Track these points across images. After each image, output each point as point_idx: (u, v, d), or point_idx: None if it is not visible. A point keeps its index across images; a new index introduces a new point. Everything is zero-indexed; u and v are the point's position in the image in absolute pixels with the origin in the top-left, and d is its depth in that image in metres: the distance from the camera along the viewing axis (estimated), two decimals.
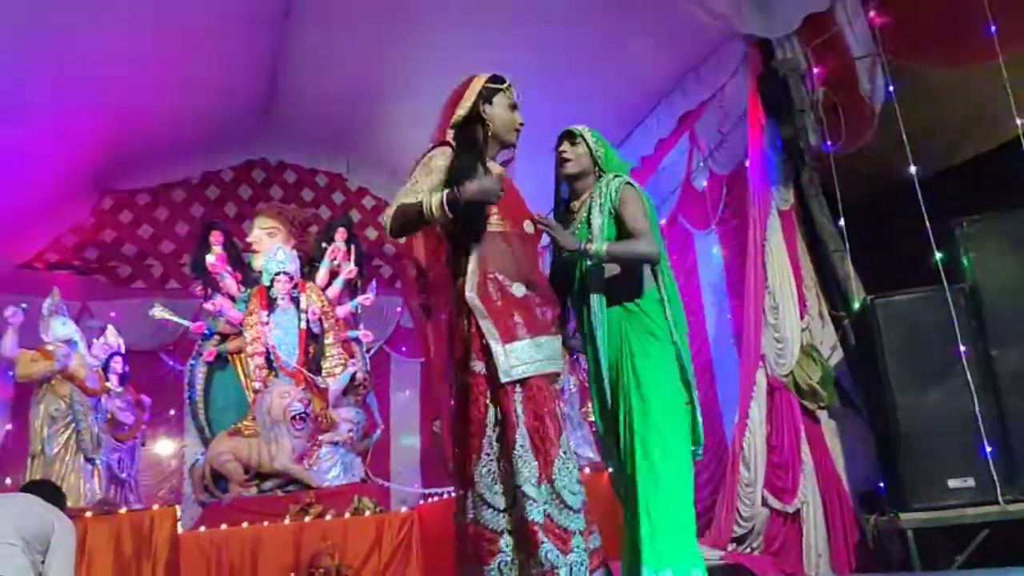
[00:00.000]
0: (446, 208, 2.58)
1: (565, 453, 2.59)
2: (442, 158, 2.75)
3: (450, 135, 2.85)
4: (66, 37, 5.63)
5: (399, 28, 6.57)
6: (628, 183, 3.08)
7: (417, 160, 2.82)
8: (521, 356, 2.61)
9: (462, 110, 2.84)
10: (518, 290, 2.71)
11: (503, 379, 2.58)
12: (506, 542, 2.54)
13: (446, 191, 2.61)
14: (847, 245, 4.87)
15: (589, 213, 3.08)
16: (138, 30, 6.10)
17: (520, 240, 2.80)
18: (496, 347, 2.60)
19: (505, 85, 2.91)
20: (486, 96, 2.86)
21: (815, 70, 4.98)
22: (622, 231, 3.03)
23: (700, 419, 3.04)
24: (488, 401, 2.62)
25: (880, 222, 4.99)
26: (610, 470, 3.10)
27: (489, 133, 2.86)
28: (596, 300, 3.02)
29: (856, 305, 4.75)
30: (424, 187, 2.69)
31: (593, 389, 3.11)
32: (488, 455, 2.59)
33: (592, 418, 4.01)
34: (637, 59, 6.03)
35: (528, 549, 2.47)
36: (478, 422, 2.62)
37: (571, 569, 2.46)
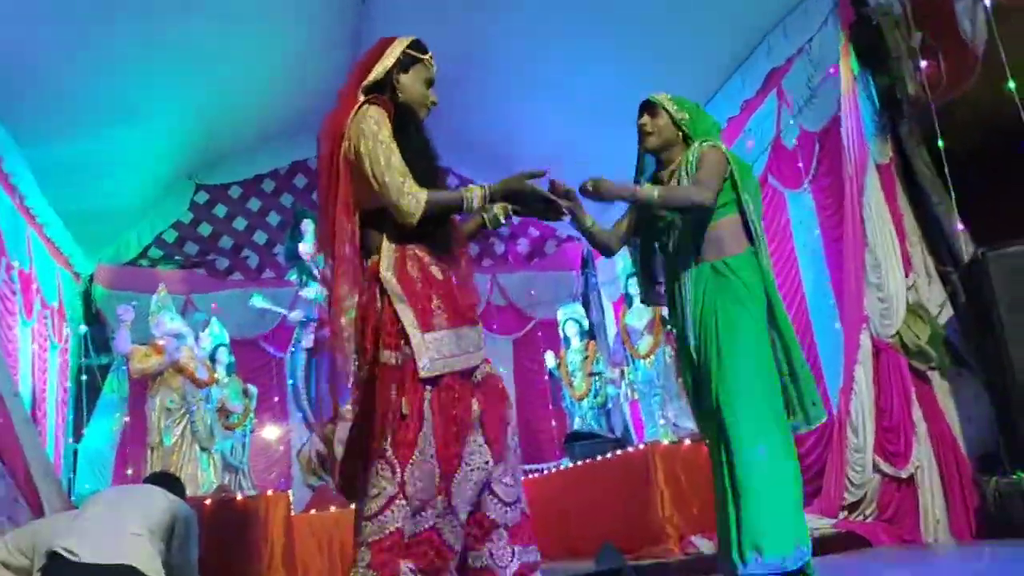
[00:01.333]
0: (481, 202, 2.41)
1: (467, 464, 2.32)
2: (384, 121, 2.42)
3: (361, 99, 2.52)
4: (155, 27, 5.73)
5: (482, 18, 6.53)
6: (713, 145, 2.98)
7: (350, 117, 2.46)
8: (441, 349, 2.33)
9: (374, 75, 2.53)
10: (438, 271, 2.44)
11: (422, 374, 2.29)
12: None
13: (488, 189, 2.41)
14: (953, 197, 4.64)
15: (679, 183, 3.01)
16: (222, 22, 6.21)
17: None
18: (415, 335, 2.31)
19: (426, 56, 2.59)
20: (403, 64, 2.56)
21: (911, 14, 4.72)
22: (730, 191, 2.95)
23: (804, 389, 2.93)
24: (395, 395, 2.31)
25: (988, 172, 4.73)
26: (706, 441, 3.03)
27: (399, 103, 2.54)
28: (684, 257, 2.95)
29: (966, 259, 4.54)
30: (400, 165, 2.36)
31: (682, 354, 3.05)
32: (421, 454, 2.29)
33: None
34: (719, 17, 5.84)
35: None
36: (393, 416, 2.29)
37: None
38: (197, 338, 6.59)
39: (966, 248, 4.60)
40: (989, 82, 4.29)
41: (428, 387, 2.31)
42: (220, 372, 6.87)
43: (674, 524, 4.94)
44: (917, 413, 4.65)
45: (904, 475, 4.63)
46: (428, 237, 2.44)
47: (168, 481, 4.12)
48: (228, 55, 6.62)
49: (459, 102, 7.51)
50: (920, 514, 4.50)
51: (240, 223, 9.03)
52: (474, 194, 2.41)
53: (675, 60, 6.07)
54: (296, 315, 7.69)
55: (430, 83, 2.61)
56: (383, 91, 2.54)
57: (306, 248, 7.53)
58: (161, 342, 6.11)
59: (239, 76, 7.02)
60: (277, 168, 9.24)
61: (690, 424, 5.89)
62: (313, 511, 6.23)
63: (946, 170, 4.63)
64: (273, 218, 9.12)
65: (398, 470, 2.25)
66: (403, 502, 2.25)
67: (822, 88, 5.46)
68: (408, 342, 2.31)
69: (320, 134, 2.56)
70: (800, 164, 5.78)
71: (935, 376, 4.73)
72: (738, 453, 2.73)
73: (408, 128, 2.50)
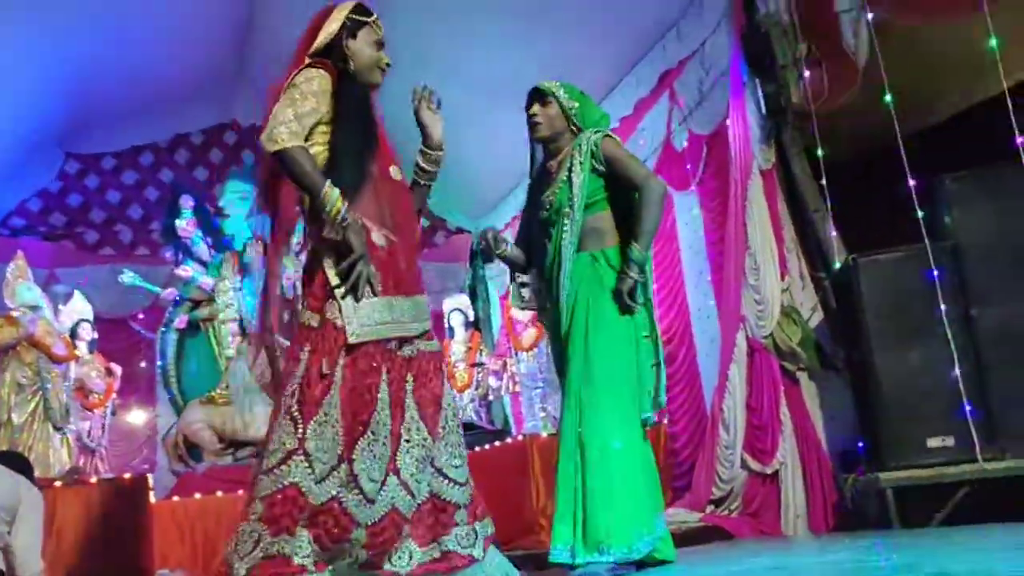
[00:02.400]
0: (333, 216, 2.31)
1: (373, 434, 2.29)
2: (321, 81, 2.43)
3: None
4: None
5: None
6: (607, 135, 2.98)
7: (288, 79, 2.47)
8: (366, 318, 2.31)
9: (319, 40, 2.53)
10: (379, 239, 2.42)
11: (349, 340, 2.28)
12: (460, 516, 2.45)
13: (343, 208, 2.30)
14: (829, 205, 4.81)
15: (570, 173, 2.99)
16: None
17: (385, 184, 2.50)
18: (346, 302, 2.30)
19: (372, 18, 2.59)
20: (350, 28, 2.55)
21: (798, 24, 4.87)
22: (610, 186, 2.95)
23: (664, 381, 2.98)
24: (308, 355, 2.30)
25: (862, 181, 4.94)
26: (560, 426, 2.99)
27: (351, 70, 2.54)
28: (566, 248, 2.94)
29: (837, 266, 4.71)
30: (305, 116, 2.35)
31: (553, 342, 3.05)
32: (373, 434, 2.29)
33: None
34: (616, 16, 5.90)
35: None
36: (303, 378, 2.28)
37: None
38: (57, 311, 6.19)
39: (838, 254, 4.77)
40: (869, 95, 4.46)
41: (345, 352, 2.30)
42: (81, 349, 6.49)
43: (547, 515, 4.92)
44: (785, 411, 4.80)
45: (769, 471, 4.77)
46: (377, 204, 2.44)
47: (13, 460, 3.90)
48: (109, 14, 6.25)
49: None
50: (781, 508, 4.64)
51: (113, 196, 8.60)
52: (330, 201, 2.31)
53: (570, 57, 6.10)
54: (169, 294, 7.36)
55: (380, 45, 2.61)
56: (332, 57, 2.53)
57: (184, 225, 7.22)
58: (15, 314, 5.71)
59: (116, 38, 6.64)
60: (156, 141, 8.83)
61: None
62: (176, 498, 5.94)
63: (823, 178, 4.80)
64: (151, 193, 8.73)
65: (300, 426, 2.23)
66: (302, 458, 2.21)
67: (712, 92, 5.57)
68: (335, 305, 2.31)
69: (266, 98, 2.55)
70: (688, 166, 5.89)
71: (803, 377, 4.89)
72: (590, 446, 2.73)
73: (352, 93, 2.50)
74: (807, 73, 4.80)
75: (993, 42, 3.98)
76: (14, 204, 8.03)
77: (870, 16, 4.39)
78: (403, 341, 2.41)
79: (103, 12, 6.22)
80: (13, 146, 7.52)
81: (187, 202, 7.30)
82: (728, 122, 5.30)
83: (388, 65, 2.62)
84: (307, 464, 2.20)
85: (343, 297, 2.31)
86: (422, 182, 2.71)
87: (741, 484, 4.88)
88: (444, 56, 6.75)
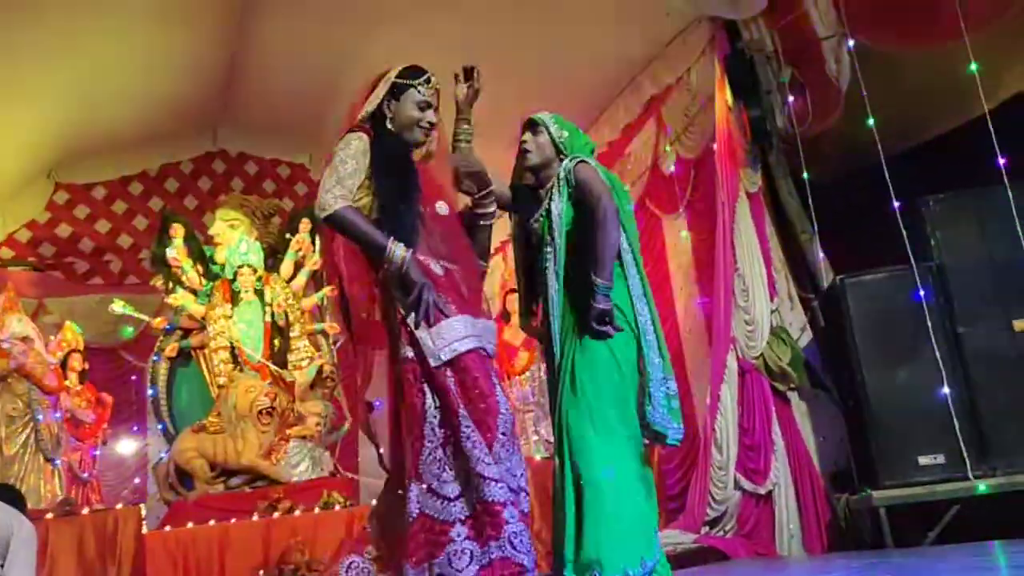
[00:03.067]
0: (400, 266, 2.47)
1: (504, 435, 2.46)
2: (357, 143, 2.60)
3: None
4: (15, 16, 5.41)
5: (359, 19, 6.45)
6: (582, 161, 3.00)
7: (339, 142, 2.64)
8: (447, 336, 2.47)
9: (370, 106, 2.71)
10: (438, 268, 2.58)
11: (433, 363, 2.45)
12: (458, 532, 2.41)
13: (407, 259, 2.46)
14: (815, 227, 4.87)
15: (550, 201, 3.02)
16: (93, 16, 5.90)
17: (434, 221, 2.66)
18: (422, 334, 2.46)
19: (417, 81, 2.72)
20: (394, 93, 2.71)
21: (781, 51, 4.97)
22: (580, 212, 2.96)
23: (659, 405, 2.95)
24: (423, 387, 2.48)
25: (848, 203, 5.01)
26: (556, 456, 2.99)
27: (390, 128, 2.70)
28: (553, 279, 2.95)
29: (825, 286, 4.76)
30: (347, 177, 2.53)
31: (549, 367, 3.06)
32: (431, 443, 2.45)
33: None
34: (603, 44, 5.98)
35: (490, 532, 2.36)
36: (415, 410, 2.48)
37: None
38: (48, 343, 6.16)
39: (826, 275, 4.83)
40: (852, 118, 4.55)
41: (448, 372, 2.46)
42: (72, 379, 6.46)
43: (542, 539, 4.93)
44: (777, 431, 4.84)
45: (763, 491, 4.80)
46: (429, 239, 2.59)
47: (5, 492, 3.86)
48: (99, 46, 6.29)
49: (342, 111, 7.40)
50: (776, 529, 4.66)
51: (103, 226, 8.56)
52: (396, 255, 2.46)
53: (558, 84, 6.17)
54: (160, 322, 7.35)
55: (424, 106, 2.72)
56: (376, 122, 2.69)
57: (174, 253, 7.22)
58: (5, 345, 5.68)
59: (109, 71, 6.68)
60: (146, 170, 8.82)
61: None
62: (168, 528, 5.90)
63: (810, 200, 4.87)
64: (140, 222, 8.69)
65: (484, 445, 2.41)
66: (493, 469, 2.39)
67: (699, 117, 5.65)
68: (415, 336, 2.47)
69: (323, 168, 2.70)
70: (676, 189, 5.96)
71: (794, 396, 4.94)
72: (582, 475, 2.73)
73: (391, 146, 2.65)
74: (791, 98, 4.89)
75: (973, 66, 4.06)
76: (2, 235, 7.99)
77: (851, 43, 4.48)
78: (488, 353, 2.57)
79: (93, 44, 6.25)
80: (5, 178, 7.52)
81: (178, 230, 7.30)
82: (714, 146, 5.37)
83: (431, 123, 2.74)
84: (499, 482, 2.38)
85: (417, 328, 2.46)
86: (480, 223, 2.85)
87: (735, 505, 4.90)
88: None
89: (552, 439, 5.89)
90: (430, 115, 2.73)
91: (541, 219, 3.03)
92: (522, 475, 2.51)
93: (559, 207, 2.95)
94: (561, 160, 3.06)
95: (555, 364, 2.95)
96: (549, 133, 3.08)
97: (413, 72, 2.74)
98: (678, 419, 2.91)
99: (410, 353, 2.50)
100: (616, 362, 2.86)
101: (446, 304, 2.50)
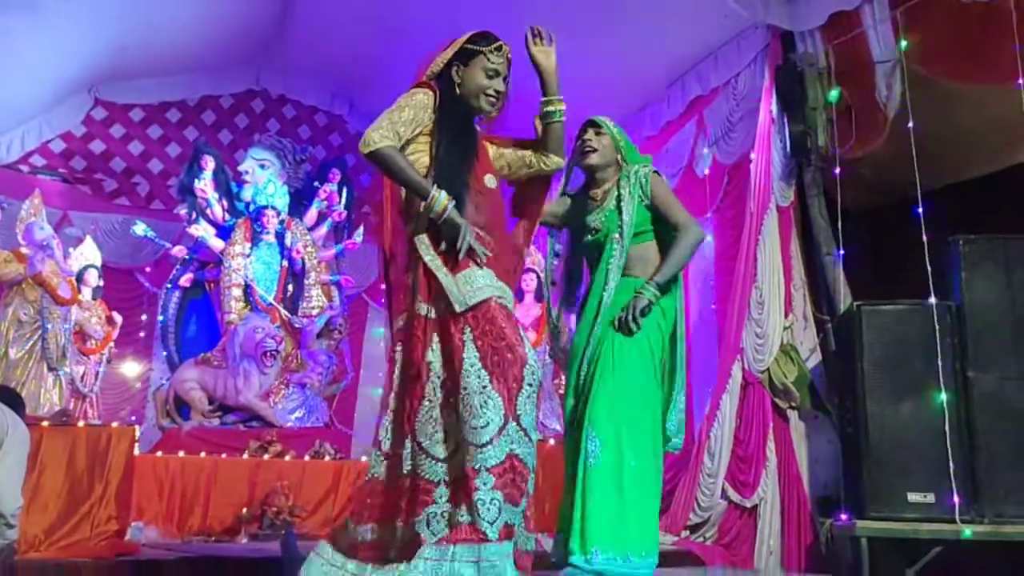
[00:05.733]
0: (440, 212, 2.44)
1: (530, 386, 2.39)
2: (421, 97, 2.56)
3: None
4: None
5: None
6: (656, 172, 3.07)
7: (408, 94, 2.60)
8: (473, 282, 2.42)
9: (435, 67, 2.64)
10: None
11: (458, 308, 2.39)
12: (440, 493, 2.40)
13: (450, 206, 2.44)
14: (841, 249, 4.83)
15: (619, 202, 3.04)
16: None
17: (479, 194, 2.59)
18: (446, 279, 2.41)
19: (488, 48, 2.62)
20: (463, 57, 2.63)
21: (833, 69, 4.90)
22: (654, 219, 3.01)
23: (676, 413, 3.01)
24: (431, 344, 2.44)
25: (877, 231, 4.96)
26: (570, 449, 3.02)
27: (457, 94, 2.62)
28: (616, 272, 2.98)
29: (842, 310, 4.73)
30: (400, 124, 2.50)
31: (574, 357, 3.07)
32: (430, 402, 2.43)
33: (563, 391, 3.97)
34: (656, 37, 5.91)
35: (462, 497, 2.34)
36: (417, 368, 2.44)
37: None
38: (66, 254, 6.22)
39: (844, 299, 4.80)
40: (895, 146, 4.48)
41: (468, 321, 2.41)
42: (85, 294, 6.52)
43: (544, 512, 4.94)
44: (771, 447, 4.83)
45: (749, 504, 4.80)
46: (471, 208, 2.52)
47: (4, 394, 3.89)
48: None
49: (388, 62, 7.38)
50: (756, 543, 4.67)
51: (136, 147, 8.61)
52: (439, 201, 2.44)
53: (605, 73, 6.11)
54: (179, 251, 7.41)
55: (492, 74, 2.64)
56: (441, 81, 2.64)
57: (202, 185, 7.26)
58: (25, 251, 5.74)
59: None
60: (186, 99, 8.85)
61: (557, 425, 5.95)
62: (160, 453, 5.97)
63: (839, 222, 4.82)
64: (173, 149, 8.73)
65: (506, 399, 2.35)
66: (515, 424, 2.35)
67: (740, 124, 5.60)
68: (441, 290, 2.43)
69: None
70: (708, 193, 5.92)
71: (793, 416, 4.92)
72: (610, 458, 2.76)
73: (455, 110, 2.61)
74: (836, 117, 4.83)
75: None
76: (37, 143, 8.05)
77: (906, 69, 4.42)
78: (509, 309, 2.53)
79: None
80: (43, 85, 7.56)
81: (208, 162, 7.34)
82: (752, 155, 5.33)
83: (498, 92, 2.66)
84: (520, 433, 2.34)
85: (461, 256, 2.43)
86: (552, 122, 2.71)
87: (719, 514, 4.91)
88: None
89: (546, 422, 5.93)
90: (498, 84, 2.65)
91: (606, 217, 3.06)
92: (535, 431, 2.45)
93: (630, 208, 2.99)
94: (619, 164, 3.10)
95: (586, 351, 2.96)
96: (613, 135, 3.11)
97: (484, 38, 2.66)
98: (683, 430, 3.05)
99: (424, 309, 2.46)
100: (654, 364, 2.94)
101: (471, 262, 2.45)
